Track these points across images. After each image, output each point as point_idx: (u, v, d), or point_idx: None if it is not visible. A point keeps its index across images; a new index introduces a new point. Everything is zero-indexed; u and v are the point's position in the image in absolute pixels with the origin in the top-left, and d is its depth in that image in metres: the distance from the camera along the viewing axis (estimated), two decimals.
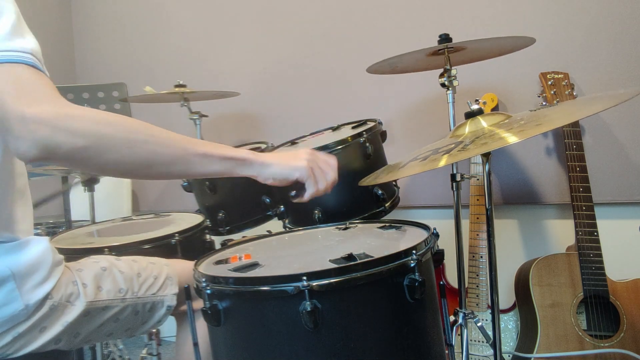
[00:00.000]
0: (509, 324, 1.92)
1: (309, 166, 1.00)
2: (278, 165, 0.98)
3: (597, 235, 1.70)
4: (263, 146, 1.80)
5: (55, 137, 0.72)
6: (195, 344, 1.01)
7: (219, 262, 1.07)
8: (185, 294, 1.07)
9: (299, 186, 1.03)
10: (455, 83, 1.54)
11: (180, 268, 1.14)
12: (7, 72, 0.73)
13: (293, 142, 1.75)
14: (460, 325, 1.57)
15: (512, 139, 0.97)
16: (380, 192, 1.51)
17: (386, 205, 1.54)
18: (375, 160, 1.53)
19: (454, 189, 1.59)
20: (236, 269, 0.97)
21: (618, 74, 1.85)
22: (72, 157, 0.75)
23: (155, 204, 2.86)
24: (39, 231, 2.04)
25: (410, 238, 1.07)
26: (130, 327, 1.06)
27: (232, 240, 1.71)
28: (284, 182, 1.00)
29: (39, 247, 0.90)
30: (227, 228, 1.76)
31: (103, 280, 1.00)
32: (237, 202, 1.76)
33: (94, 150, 0.76)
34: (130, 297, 1.03)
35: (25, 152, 0.72)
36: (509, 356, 1.86)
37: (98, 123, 0.77)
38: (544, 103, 1.84)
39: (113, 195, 2.61)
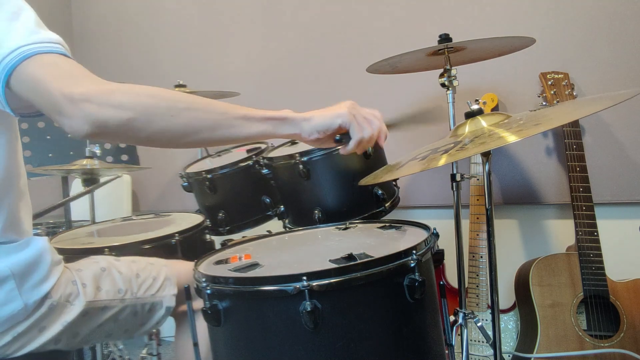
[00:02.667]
0: (509, 324, 1.92)
1: (351, 113, 0.96)
2: (319, 117, 0.95)
3: (597, 235, 1.70)
4: (263, 146, 1.80)
5: (103, 112, 0.76)
6: (195, 344, 1.01)
7: (219, 262, 1.07)
8: (185, 294, 1.07)
9: (343, 134, 0.97)
10: (455, 83, 1.54)
11: (179, 269, 1.14)
12: (44, 62, 0.77)
13: (293, 142, 1.75)
14: (460, 325, 1.58)
15: (510, 138, 0.97)
16: (380, 192, 1.51)
17: (386, 205, 1.54)
18: (375, 160, 1.53)
19: (454, 189, 1.59)
20: (236, 269, 0.97)
21: (618, 74, 1.85)
22: (121, 130, 0.78)
23: (155, 204, 2.86)
24: (39, 231, 2.04)
25: (410, 238, 1.07)
26: (129, 328, 1.06)
27: (232, 240, 1.71)
28: (327, 132, 0.96)
29: (38, 247, 0.91)
30: (227, 228, 1.76)
31: (102, 280, 1.00)
32: (237, 202, 1.76)
33: (140, 121, 0.79)
34: (129, 297, 1.03)
35: (79, 129, 0.76)
36: (509, 356, 1.86)
37: (140, 95, 0.80)
38: (544, 103, 1.84)
39: (113, 195, 2.61)
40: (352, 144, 0.97)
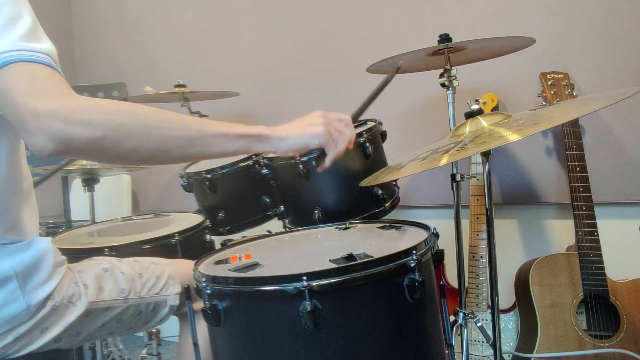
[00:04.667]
0: (509, 324, 1.92)
1: (326, 130, 0.97)
2: (295, 136, 0.96)
3: (597, 235, 1.70)
4: None
5: (69, 130, 0.73)
6: (195, 344, 1.01)
7: (219, 262, 1.07)
8: (185, 294, 1.07)
9: (318, 152, 1.00)
10: (455, 83, 1.54)
11: (182, 268, 1.14)
12: (21, 71, 0.74)
13: None
14: (460, 325, 1.58)
15: (510, 137, 0.97)
16: (380, 192, 1.51)
17: (386, 205, 1.54)
18: (376, 161, 1.53)
19: (454, 189, 1.59)
20: (236, 269, 0.97)
21: (618, 74, 1.85)
22: (89, 148, 0.76)
23: (155, 204, 2.86)
24: (39, 231, 2.04)
25: (410, 238, 1.07)
26: (133, 326, 1.06)
27: (232, 240, 1.71)
28: (303, 151, 0.98)
29: (41, 247, 0.91)
30: (227, 228, 1.76)
31: (104, 281, 1.00)
32: (237, 202, 1.76)
33: (110, 140, 0.76)
34: (133, 297, 1.03)
35: (42, 147, 0.73)
36: (509, 356, 1.86)
37: (110, 113, 0.78)
38: (544, 103, 1.84)
39: (113, 195, 2.61)
40: (328, 161, 1.00)
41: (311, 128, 0.97)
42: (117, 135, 0.77)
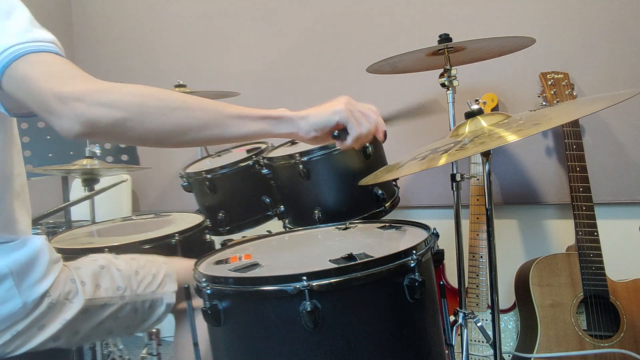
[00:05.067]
0: (509, 324, 1.92)
1: (348, 109, 0.94)
2: (315, 114, 0.94)
3: (597, 235, 1.70)
4: (263, 146, 1.80)
5: (93, 111, 0.75)
6: (195, 344, 1.01)
7: (219, 262, 1.07)
8: (185, 293, 1.07)
9: (341, 130, 0.96)
10: (455, 83, 1.54)
11: (179, 266, 1.15)
12: (35, 61, 0.76)
13: (293, 142, 1.75)
14: (460, 325, 1.58)
15: (510, 138, 0.97)
16: (380, 192, 1.51)
17: (386, 205, 1.54)
18: (375, 160, 1.53)
19: (454, 189, 1.59)
20: (236, 269, 0.97)
21: (618, 74, 1.85)
22: (112, 129, 0.77)
23: (155, 204, 2.86)
24: (39, 231, 2.04)
25: (410, 238, 1.07)
26: (130, 324, 1.06)
27: (232, 240, 1.71)
28: (325, 129, 0.94)
29: (35, 245, 0.91)
30: (227, 228, 1.76)
31: (101, 278, 1.00)
32: (237, 202, 1.76)
33: (131, 121, 0.78)
34: (128, 294, 1.03)
35: (70, 129, 0.76)
36: (509, 356, 1.86)
37: (131, 94, 0.80)
38: (544, 103, 1.84)
39: (113, 195, 2.61)
40: (350, 139, 0.96)
41: (332, 106, 0.95)
42: (138, 115, 0.79)
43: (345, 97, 0.97)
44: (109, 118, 0.76)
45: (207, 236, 1.57)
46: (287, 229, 1.64)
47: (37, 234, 0.95)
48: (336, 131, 0.96)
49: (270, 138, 1.00)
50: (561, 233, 2.01)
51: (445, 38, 1.46)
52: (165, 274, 1.10)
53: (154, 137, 0.82)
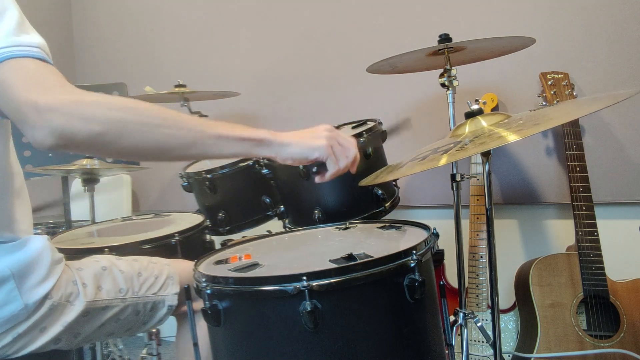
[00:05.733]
0: (509, 324, 1.92)
1: (329, 144, 0.97)
2: (297, 145, 0.95)
3: (597, 235, 1.70)
4: None
5: (70, 124, 0.73)
6: (195, 344, 1.01)
7: (219, 262, 1.07)
8: (185, 294, 1.07)
9: (319, 165, 1.00)
10: (455, 83, 1.54)
11: (181, 268, 1.14)
12: (16, 66, 0.74)
13: None
14: (460, 325, 1.57)
15: (510, 138, 0.97)
16: (380, 192, 1.51)
17: (386, 205, 1.54)
18: (375, 160, 1.53)
19: (454, 189, 1.59)
20: (236, 269, 0.97)
21: (618, 74, 1.85)
22: (89, 143, 0.76)
23: (155, 204, 2.86)
24: (39, 231, 2.04)
25: (410, 238, 1.07)
26: (131, 327, 1.06)
27: (232, 240, 1.71)
28: (303, 162, 0.98)
29: (37, 246, 0.90)
30: (227, 228, 1.76)
31: (103, 279, 1.00)
32: (237, 202, 1.76)
33: (109, 136, 0.76)
34: (130, 296, 1.03)
35: (43, 140, 0.73)
36: (509, 356, 1.86)
37: (111, 109, 0.77)
38: (544, 103, 1.84)
39: (113, 195, 2.61)
40: (328, 175, 1.00)
41: (314, 140, 0.97)
42: (117, 131, 0.77)
43: (328, 130, 0.99)
44: (86, 132, 0.74)
45: (207, 236, 1.57)
46: (287, 229, 1.64)
47: (37, 234, 0.95)
48: (315, 167, 1.01)
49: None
50: (561, 233, 2.01)
51: (445, 38, 1.46)
52: (168, 275, 1.10)
53: (132, 153, 0.81)
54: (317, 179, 1.03)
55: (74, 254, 1.17)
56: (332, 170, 0.99)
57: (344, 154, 1.00)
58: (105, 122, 0.76)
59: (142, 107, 0.81)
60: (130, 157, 0.83)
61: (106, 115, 0.76)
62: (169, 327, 1.18)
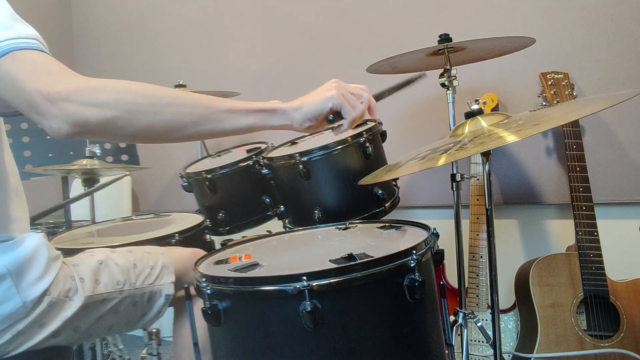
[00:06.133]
0: (509, 324, 1.92)
1: (340, 93, 0.95)
2: (309, 103, 0.94)
3: (597, 235, 1.70)
4: (263, 146, 1.80)
5: (83, 111, 0.74)
6: (196, 344, 1.01)
7: (219, 262, 1.07)
8: (185, 294, 1.07)
9: (336, 115, 0.97)
10: (455, 83, 1.54)
11: (176, 256, 1.15)
12: (20, 59, 0.74)
13: (293, 142, 1.75)
14: (460, 325, 1.58)
15: (510, 138, 0.97)
16: (380, 192, 1.51)
17: (386, 205, 1.54)
18: (375, 160, 1.53)
19: (454, 189, 1.59)
20: (236, 269, 0.97)
21: (618, 74, 1.85)
22: (103, 128, 0.77)
23: (155, 204, 2.86)
24: (39, 231, 2.04)
25: (410, 238, 1.07)
26: (130, 319, 1.06)
27: (232, 240, 1.71)
28: (319, 117, 0.95)
29: (33, 243, 0.90)
30: (227, 228, 1.76)
31: (100, 273, 1.00)
32: (237, 202, 1.76)
33: (122, 120, 0.77)
34: (127, 288, 1.03)
35: (59, 129, 0.74)
36: (509, 356, 1.86)
37: (121, 92, 0.79)
38: (544, 103, 1.84)
39: (113, 195, 2.61)
40: (346, 124, 0.98)
41: (323, 92, 0.95)
42: (128, 114, 0.78)
43: (335, 81, 0.98)
44: (100, 118, 0.75)
45: (207, 236, 1.57)
46: (287, 229, 1.64)
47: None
48: (331, 116, 0.97)
49: (266, 131, 1.00)
50: (561, 233, 2.01)
51: (445, 38, 1.46)
52: (163, 265, 1.10)
53: (146, 135, 0.82)
54: (336, 131, 1.00)
55: (74, 254, 1.17)
56: (349, 118, 0.97)
57: (357, 100, 0.98)
58: (117, 106, 0.77)
59: (151, 89, 0.82)
60: (145, 139, 0.83)
61: (117, 99, 0.77)
62: (169, 327, 1.18)
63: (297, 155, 1.45)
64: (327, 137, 1.68)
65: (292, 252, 1.14)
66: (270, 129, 0.94)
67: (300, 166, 1.44)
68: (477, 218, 1.87)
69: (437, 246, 1.02)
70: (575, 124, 1.79)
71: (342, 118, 0.97)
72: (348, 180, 1.49)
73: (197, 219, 1.56)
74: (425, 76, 1.29)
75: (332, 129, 1.01)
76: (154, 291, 1.07)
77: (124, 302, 1.02)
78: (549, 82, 1.83)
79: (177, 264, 1.13)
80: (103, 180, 1.96)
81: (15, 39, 0.75)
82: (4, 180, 0.90)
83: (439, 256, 1.02)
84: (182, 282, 1.12)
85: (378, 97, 1.10)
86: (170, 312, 1.17)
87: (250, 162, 1.69)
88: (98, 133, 0.78)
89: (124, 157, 2.35)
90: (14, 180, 0.93)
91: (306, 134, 1.82)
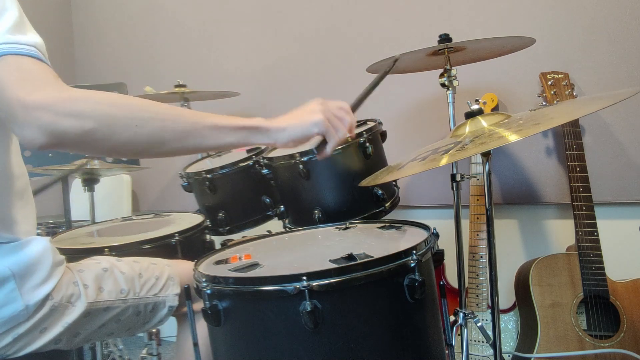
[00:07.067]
0: (509, 324, 1.92)
1: (325, 117, 0.94)
2: (294, 127, 0.93)
3: (597, 235, 1.70)
4: (263, 146, 1.80)
5: (60, 122, 0.72)
6: (195, 344, 1.01)
7: (219, 262, 1.07)
8: (185, 294, 1.07)
9: (319, 140, 0.98)
10: (455, 83, 1.54)
11: (181, 268, 1.14)
12: (8, 63, 0.73)
13: None
14: (460, 325, 1.58)
15: (510, 138, 0.97)
16: (380, 192, 1.51)
17: (386, 205, 1.54)
18: (375, 161, 1.53)
19: (454, 189, 1.59)
20: (236, 269, 0.97)
21: (618, 74, 1.85)
22: (81, 141, 0.74)
23: (155, 204, 2.86)
24: (39, 231, 2.04)
25: (410, 238, 1.07)
26: (132, 327, 1.06)
27: (232, 240, 1.71)
28: (303, 141, 0.95)
29: (39, 247, 0.90)
30: (227, 228, 1.76)
31: (104, 281, 1.00)
32: (237, 202, 1.75)
33: (101, 132, 0.75)
34: (131, 297, 1.02)
35: (33, 139, 0.72)
36: (509, 356, 1.86)
37: (101, 104, 0.76)
38: (544, 103, 1.84)
39: (113, 195, 2.61)
40: (329, 148, 0.98)
41: (310, 116, 0.95)
42: (108, 127, 0.75)
43: (320, 103, 0.97)
44: (77, 129, 0.72)
45: (207, 236, 1.57)
46: (287, 229, 1.64)
47: (37, 234, 0.95)
48: (315, 144, 0.98)
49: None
50: (561, 233, 2.01)
51: (445, 38, 1.46)
52: (169, 276, 1.10)
53: (126, 149, 0.80)
54: (319, 156, 1.01)
55: (74, 254, 1.17)
56: (332, 143, 0.97)
57: (341, 123, 0.98)
58: (96, 118, 0.74)
59: (133, 102, 0.80)
60: (124, 154, 0.81)
61: (96, 111, 0.75)
62: (169, 327, 1.18)
63: (297, 155, 1.45)
64: None
65: (292, 252, 1.14)
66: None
67: (300, 166, 1.44)
68: (477, 218, 1.87)
69: (437, 246, 1.02)
70: (575, 124, 1.79)
71: (325, 142, 0.97)
72: (348, 180, 1.48)
73: (197, 219, 1.55)
74: (397, 57, 1.29)
75: (317, 153, 1.01)
76: (158, 302, 1.07)
77: (127, 311, 1.02)
78: (549, 82, 1.83)
79: (182, 277, 1.12)
80: (104, 183, 1.95)
81: (11, 44, 0.74)
82: (9, 182, 0.90)
83: (439, 256, 1.02)
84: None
85: (354, 108, 1.09)
86: None
87: (250, 162, 1.69)
88: (75, 145, 0.75)
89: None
90: (21, 183, 0.92)
91: None
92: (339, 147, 1.06)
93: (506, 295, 2.02)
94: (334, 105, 0.99)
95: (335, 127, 0.96)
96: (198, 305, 0.98)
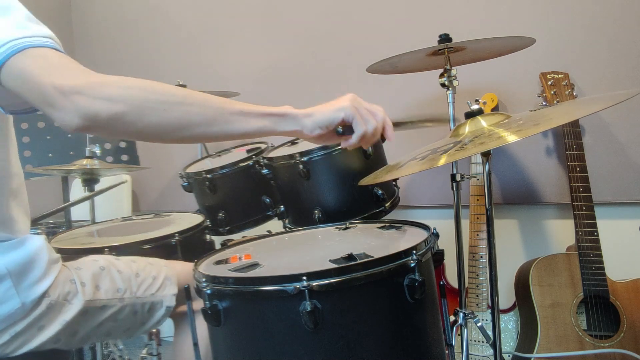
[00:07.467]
0: (509, 324, 1.92)
1: (353, 105, 0.92)
2: (320, 112, 0.91)
3: (597, 235, 1.70)
4: (263, 146, 1.80)
5: (94, 105, 0.75)
6: (195, 344, 1.01)
7: (219, 262, 1.07)
8: (185, 294, 1.07)
9: (345, 130, 0.94)
10: (455, 83, 1.54)
11: (179, 269, 1.14)
12: (35, 55, 0.76)
13: (293, 142, 1.75)
14: (460, 325, 1.57)
15: (510, 138, 0.97)
16: (380, 192, 1.51)
17: (386, 205, 1.54)
18: (375, 160, 1.53)
19: (454, 189, 1.59)
20: (236, 269, 0.97)
21: (618, 74, 1.85)
22: (112, 123, 0.77)
23: (155, 204, 2.86)
24: (39, 231, 2.04)
25: (410, 238, 1.07)
26: (129, 327, 1.06)
27: (232, 240, 1.71)
28: (330, 126, 0.92)
29: (34, 245, 0.91)
30: (227, 228, 1.76)
31: (101, 279, 1.00)
32: (237, 202, 1.76)
33: (131, 115, 0.78)
34: (128, 296, 1.03)
35: (70, 122, 0.76)
36: (509, 356, 1.86)
37: (132, 88, 0.80)
38: (544, 103, 1.84)
39: (113, 195, 2.61)
40: (355, 137, 0.93)
41: (337, 103, 0.93)
42: (138, 110, 0.79)
43: (351, 95, 0.95)
44: (109, 111, 0.76)
45: (207, 236, 1.57)
46: (287, 229, 1.64)
47: (37, 234, 0.95)
48: (340, 128, 0.93)
49: (272, 136, 0.98)
50: (561, 233, 2.01)
51: (445, 38, 1.46)
52: (166, 276, 1.10)
53: (154, 132, 0.82)
54: (344, 143, 0.96)
55: (73, 254, 1.17)
56: (359, 131, 0.93)
57: (372, 116, 0.95)
58: (126, 101, 0.78)
59: (162, 86, 0.83)
60: (151, 137, 0.83)
61: (127, 95, 0.78)
62: (169, 327, 1.18)
63: (297, 155, 1.45)
64: None
65: (292, 252, 1.14)
66: (279, 134, 0.92)
67: (300, 166, 1.44)
68: (477, 218, 1.87)
69: (437, 246, 1.02)
70: (575, 124, 1.79)
71: (352, 131, 0.93)
72: (348, 180, 1.49)
73: (197, 219, 1.55)
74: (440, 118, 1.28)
75: (342, 141, 0.96)
76: (155, 302, 1.07)
77: (124, 310, 1.02)
78: (549, 82, 1.83)
79: (180, 278, 1.12)
80: (104, 183, 1.95)
81: (30, 37, 0.76)
82: (7, 181, 0.91)
83: (439, 256, 1.02)
84: (183, 296, 1.12)
85: (397, 124, 1.05)
86: None
87: (250, 162, 1.69)
88: (107, 128, 0.78)
89: (124, 157, 2.35)
90: (17, 182, 0.94)
91: None
92: (370, 145, 1.02)
93: (506, 295, 2.02)
94: (367, 103, 0.97)
95: (364, 117, 0.93)
96: (197, 305, 0.98)
